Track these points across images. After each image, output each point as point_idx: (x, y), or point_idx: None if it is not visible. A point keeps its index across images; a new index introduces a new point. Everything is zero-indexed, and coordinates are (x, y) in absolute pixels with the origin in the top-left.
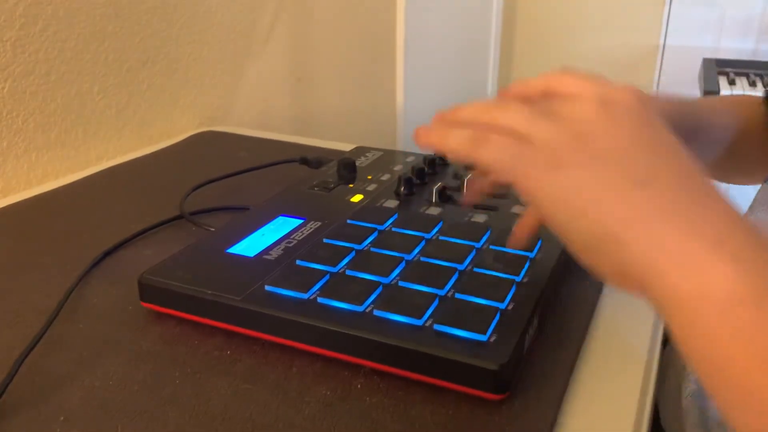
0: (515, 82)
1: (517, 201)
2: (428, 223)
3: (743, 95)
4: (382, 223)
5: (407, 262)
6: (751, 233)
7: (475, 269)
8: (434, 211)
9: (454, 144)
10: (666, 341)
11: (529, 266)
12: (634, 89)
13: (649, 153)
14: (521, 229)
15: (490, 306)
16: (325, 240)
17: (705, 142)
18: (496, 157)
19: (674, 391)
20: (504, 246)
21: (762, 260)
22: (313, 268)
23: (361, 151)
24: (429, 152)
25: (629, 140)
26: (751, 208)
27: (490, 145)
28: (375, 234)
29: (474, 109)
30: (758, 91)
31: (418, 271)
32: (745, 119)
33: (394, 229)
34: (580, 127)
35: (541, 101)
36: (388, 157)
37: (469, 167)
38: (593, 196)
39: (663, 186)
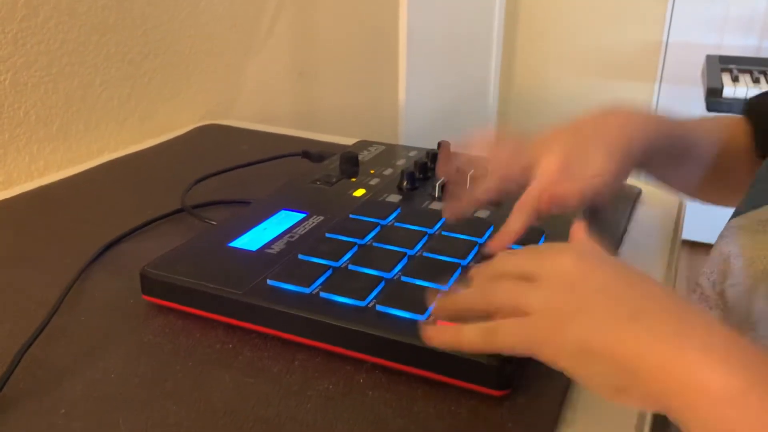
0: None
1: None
2: (431, 218)
3: (726, 116)
4: (384, 218)
5: (410, 257)
6: (730, 337)
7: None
8: (437, 206)
9: (468, 341)
10: None
11: None
12: (590, 241)
13: (629, 290)
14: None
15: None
16: (327, 234)
17: (693, 161)
18: (511, 341)
19: None
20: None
21: (747, 359)
22: (316, 263)
23: (363, 145)
24: (432, 147)
25: (608, 281)
26: (716, 244)
27: (501, 333)
28: (377, 229)
29: (470, 297)
30: (762, 88)
31: (420, 267)
32: (729, 137)
33: (396, 224)
34: (566, 280)
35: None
36: (391, 151)
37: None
38: (598, 337)
39: (653, 315)
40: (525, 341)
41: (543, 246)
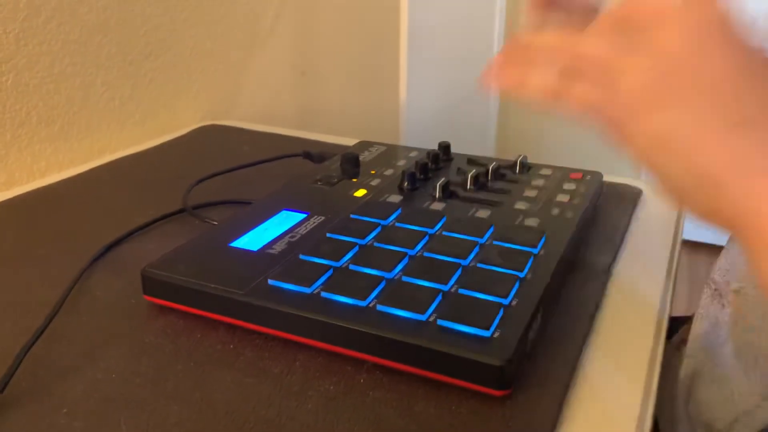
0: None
1: (520, 197)
2: (432, 218)
3: None
4: (385, 218)
5: (411, 257)
6: None
7: (479, 265)
8: (438, 206)
9: (537, 84)
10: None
11: (532, 262)
12: (725, 10)
13: (750, 87)
14: None
15: (493, 302)
16: (328, 234)
17: None
18: (587, 100)
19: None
20: (507, 241)
21: None
22: (317, 263)
23: (364, 145)
24: (432, 148)
25: (728, 73)
26: (729, 240)
27: (579, 88)
28: (378, 229)
29: (551, 39)
30: None
31: (421, 267)
32: None
33: (397, 224)
34: (671, 61)
35: (618, 28)
36: (392, 151)
37: (473, 162)
38: (691, 139)
39: (761, 127)
40: (603, 109)
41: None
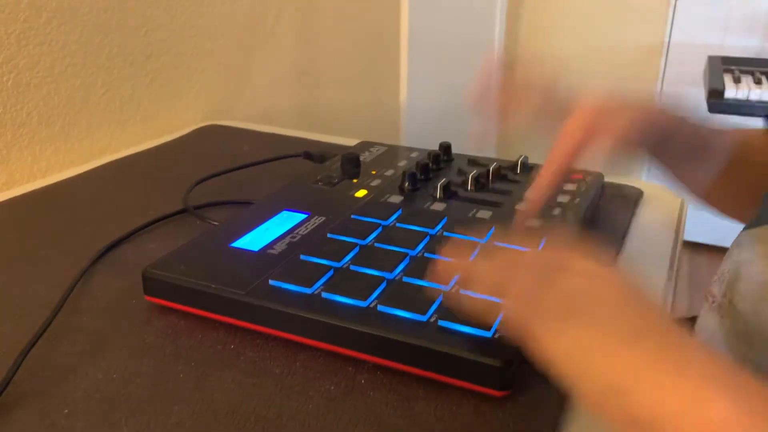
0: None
1: (521, 198)
2: (433, 218)
3: (751, 129)
4: (386, 219)
5: (411, 257)
6: (732, 368)
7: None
8: (439, 206)
9: (467, 308)
10: None
11: None
12: (616, 269)
13: (633, 315)
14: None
15: (494, 302)
16: (329, 235)
17: (707, 161)
18: (508, 314)
19: None
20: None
21: (745, 389)
22: (317, 263)
23: (365, 146)
24: (433, 148)
25: (617, 301)
26: (729, 251)
27: (504, 307)
28: (379, 229)
29: (490, 271)
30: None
31: (422, 267)
32: (749, 145)
33: (398, 225)
34: (576, 293)
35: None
36: (393, 152)
37: (473, 163)
38: (593, 352)
39: (649, 342)
40: (518, 328)
41: (554, 257)
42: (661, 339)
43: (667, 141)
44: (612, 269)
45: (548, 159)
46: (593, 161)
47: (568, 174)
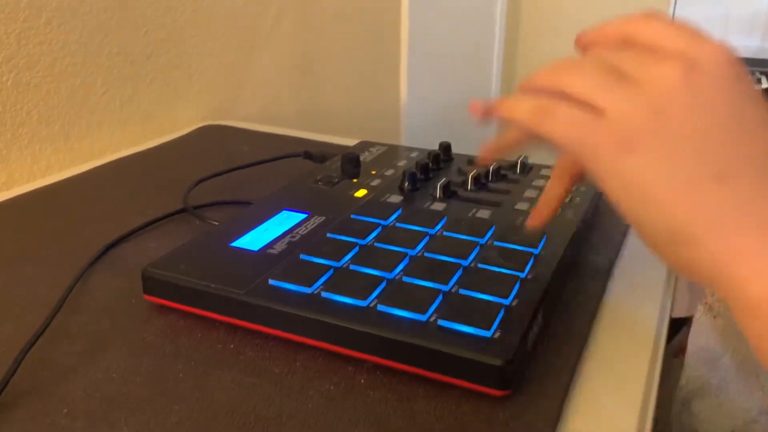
0: (591, 29)
1: (521, 198)
2: (432, 218)
3: None
4: (386, 219)
5: (411, 257)
6: None
7: (480, 265)
8: (438, 206)
9: (519, 114)
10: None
11: (533, 262)
12: (726, 49)
13: (733, 139)
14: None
15: (494, 302)
16: (329, 235)
17: None
18: (563, 132)
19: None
20: (507, 242)
21: None
22: (317, 263)
23: (365, 145)
24: (433, 148)
25: (712, 121)
26: None
27: (558, 118)
28: (379, 229)
29: (548, 70)
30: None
31: (422, 267)
32: None
33: (398, 225)
34: (660, 101)
35: (620, 51)
36: (392, 152)
37: (473, 162)
38: (668, 187)
39: (744, 180)
40: (578, 140)
41: (665, 34)
42: (759, 181)
43: None
44: (721, 56)
45: (551, 183)
46: None
47: None
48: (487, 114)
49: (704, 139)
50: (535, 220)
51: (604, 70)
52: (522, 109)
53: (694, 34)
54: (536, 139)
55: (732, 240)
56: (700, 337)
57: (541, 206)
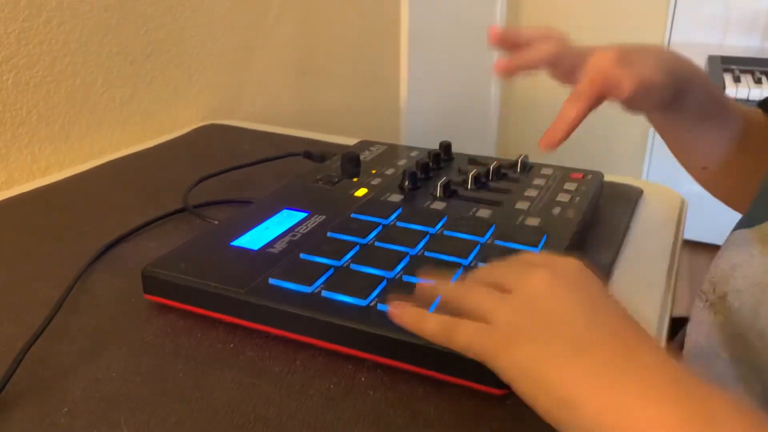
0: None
1: (521, 197)
2: (433, 217)
3: (750, 107)
4: (386, 218)
5: (411, 256)
6: (680, 373)
7: (480, 264)
8: (439, 205)
9: (429, 329)
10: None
11: None
12: (577, 261)
13: (587, 323)
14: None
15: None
16: (329, 234)
17: (722, 129)
18: (467, 341)
19: None
20: (508, 241)
21: (688, 395)
22: (318, 262)
23: (365, 145)
24: (433, 147)
25: (570, 310)
26: (721, 251)
27: (461, 332)
28: (379, 228)
29: (449, 291)
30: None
31: (422, 266)
32: (755, 122)
33: (398, 224)
34: (531, 302)
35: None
36: (393, 151)
37: (473, 162)
38: (546, 364)
39: (602, 349)
40: (477, 347)
41: (531, 258)
42: (610, 348)
43: (685, 94)
44: (574, 265)
45: (565, 105)
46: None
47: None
48: (404, 323)
49: (565, 325)
50: (548, 141)
51: (490, 292)
52: (431, 327)
53: (551, 257)
54: None
55: (597, 399)
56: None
57: (555, 128)
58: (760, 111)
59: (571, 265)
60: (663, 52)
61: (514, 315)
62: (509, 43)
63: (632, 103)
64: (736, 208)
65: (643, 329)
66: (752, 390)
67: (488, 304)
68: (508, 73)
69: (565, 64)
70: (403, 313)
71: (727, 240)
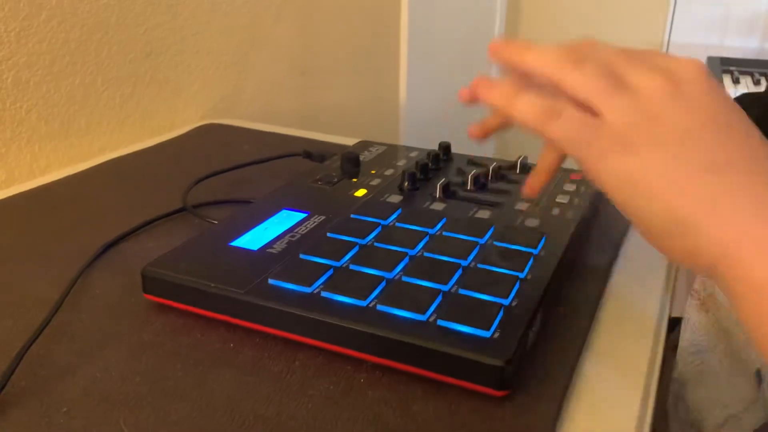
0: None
1: (520, 198)
2: (432, 218)
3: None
4: (385, 218)
5: (411, 257)
6: None
7: (479, 265)
8: (438, 206)
9: (521, 111)
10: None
11: (533, 262)
12: (700, 63)
13: (722, 135)
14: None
15: (493, 302)
16: (328, 234)
17: None
18: (566, 134)
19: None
20: (507, 242)
21: None
22: (317, 262)
23: (364, 145)
24: (433, 148)
25: (703, 122)
26: None
27: (562, 121)
28: (379, 229)
29: (546, 63)
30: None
31: (421, 267)
32: None
33: (397, 224)
34: (655, 107)
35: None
36: (392, 151)
37: (473, 163)
38: (667, 180)
39: (737, 170)
40: (579, 142)
41: (646, 56)
42: (751, 170)
43: None
44: (697, 69)
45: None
46: None
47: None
48: (489, 98)
49: (695, 137)
50: (529, 189)
51: (604, 75)
52: (524, 107)
53: (668, 55)
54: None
55: (730, 226)
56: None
57: (535, 176)
58: None
59: (694, 69)
60: None
61: (633, 114)
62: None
63: None
64: None
65: None
66: (747, 379)
67: (602, 94)
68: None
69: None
70: (490, 87)
71: None
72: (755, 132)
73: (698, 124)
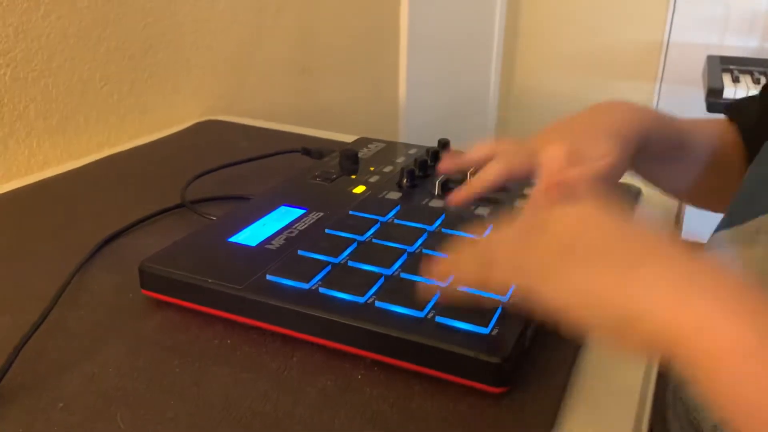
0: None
1: (520, 195)
2: (431, 215)
3: (713, 119)
4: (384, 215)
5: (409, 254)
6: (743, 285)
7: None
8: (437, 203)
9: (465, 272)
10: None
11: None
12: (593, 203)
13: (634, 243)
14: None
15: (492, 299)
16: (327, 231)
17: (686, 160)
18: (507, 278)
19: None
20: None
21: (758, 311)
22: (315, 259)
23: (363, 142)
24: (432, 145)
25: (611, 233)
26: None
27: (498, 268)
28: (377, 225)
29: (468, 280)
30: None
31: (420, 264)
32: (721, 137)
33: (396, 221)
34: (567, 236)
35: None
36: (391, 148)
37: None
38: (600, 287)
39: (656, 262)
40: (521, 279)
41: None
42: (666, 258)
43: (642, 150)
44: (596, 206)
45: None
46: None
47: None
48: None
49: (609, 246)
50: (455, 198)
51: (518, 235)
52: (466, 269)
53: (565, 206)
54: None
55: (672, 302)
56: None
57: (469, 188)
58: (725, 120)
59: (588, 205)
60: (614, 118)
61: (551, 248)
62: (460, 170)
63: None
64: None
65: (685, 242)
66: None
67: (518, 250)
68: (465, 202)
69: (520, 175)
70: (434, 266)
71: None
72: (656, 232)
73: (609, 235)
